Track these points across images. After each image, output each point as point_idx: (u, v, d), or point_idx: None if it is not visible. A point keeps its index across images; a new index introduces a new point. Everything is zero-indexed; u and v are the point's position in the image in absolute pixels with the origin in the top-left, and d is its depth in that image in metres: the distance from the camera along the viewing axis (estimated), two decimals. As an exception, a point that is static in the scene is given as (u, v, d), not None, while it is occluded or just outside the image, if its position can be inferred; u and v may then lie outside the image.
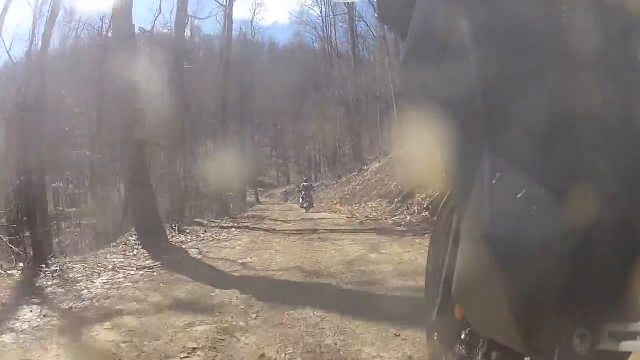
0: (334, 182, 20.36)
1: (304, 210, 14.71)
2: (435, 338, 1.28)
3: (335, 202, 15.79)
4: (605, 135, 0.63)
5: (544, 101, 0.66)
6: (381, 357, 2.19)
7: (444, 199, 1.27)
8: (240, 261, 5.10)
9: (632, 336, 0.62)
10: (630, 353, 0.68)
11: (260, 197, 23.61)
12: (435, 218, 1.43)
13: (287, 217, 11.77)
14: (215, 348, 2.41)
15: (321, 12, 21.40)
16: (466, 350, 1.01)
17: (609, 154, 0.62)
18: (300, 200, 16.18)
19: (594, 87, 0.64)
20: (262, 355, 2.27)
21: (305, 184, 16.84)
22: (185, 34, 14.42)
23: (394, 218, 8.35)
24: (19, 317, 3.10)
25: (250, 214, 14.08)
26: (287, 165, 27.30)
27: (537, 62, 0.67)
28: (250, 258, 5.27)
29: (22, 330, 2.82)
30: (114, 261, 5.22)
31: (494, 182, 0.68)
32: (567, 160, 0.64)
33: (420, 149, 0.91)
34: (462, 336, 1.02)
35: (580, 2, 0.68)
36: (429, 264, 1.41)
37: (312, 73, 23.34)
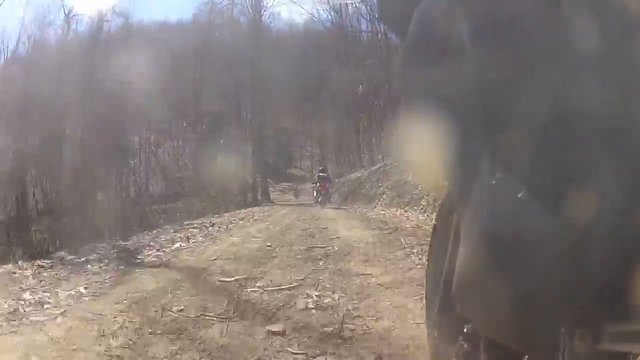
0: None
1: (319, 206, 12.04)
2: (436, 335, 1.29)
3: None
4: (605, 135, 0.63)
5: (544, 101, 0.66)
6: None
7: (444, 199, 1.28)
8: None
9: (632, 336, 0.63)
10: (631, 353, 0.68)
11: (286, 194, 20.58)
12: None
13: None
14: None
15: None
16: (466, 347, 1.01)
17: (608, 154, 0.62)
18: (315, 193, 13.64)
19: (593, 86, 0.64)
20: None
21: (320, 174, 14.15)
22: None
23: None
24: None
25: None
26: (323, 154, 22.58)
27: (537, 62, 0.67)
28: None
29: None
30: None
31: (493, 182, 0.68)
32: (567, 160, 0.64)
33: (419, 149, 0.91)
34: (463, 333, 1.03)
35: (581, 2, 0.68)
36: (430, 263, 1.41)
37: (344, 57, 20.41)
